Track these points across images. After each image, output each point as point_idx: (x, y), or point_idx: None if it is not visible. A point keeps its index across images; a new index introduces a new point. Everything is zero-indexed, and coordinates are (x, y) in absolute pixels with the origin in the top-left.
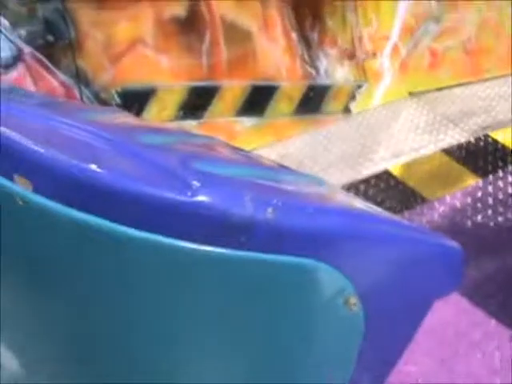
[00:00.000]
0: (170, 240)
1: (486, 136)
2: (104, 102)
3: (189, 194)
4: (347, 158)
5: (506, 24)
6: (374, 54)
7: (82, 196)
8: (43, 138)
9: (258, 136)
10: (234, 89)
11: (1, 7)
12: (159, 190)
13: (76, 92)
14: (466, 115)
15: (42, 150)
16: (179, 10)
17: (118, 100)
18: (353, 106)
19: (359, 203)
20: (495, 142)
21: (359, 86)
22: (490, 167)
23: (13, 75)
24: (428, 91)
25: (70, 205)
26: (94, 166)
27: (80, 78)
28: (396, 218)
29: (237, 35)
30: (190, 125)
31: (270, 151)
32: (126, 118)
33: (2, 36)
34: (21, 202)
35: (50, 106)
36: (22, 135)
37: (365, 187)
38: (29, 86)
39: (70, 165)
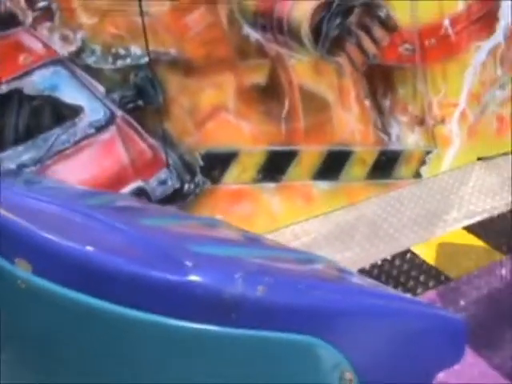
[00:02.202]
0: (164, 318)
1: None
2: (188, 165)
3: (182, 273)
4: (420, 219)
5: None
6: (443, 121)
7: (80, 277)
8: (43, 222)
9: (333, 199)
10: (310, 153)
11: (97, 74)
12: (154, 270)
13: (162, 154)
14: None
15: (41, 233)
16: (260, 78)
17: (201, 162)
18: (424, 171)
19: (357, 279)
20: None
21: (429, 152)
22: None
23: (105, 137)
24: (496, 156)
25: (69, 286)
26: (90, 248)
27: (166, 141)
28: (393, 292)
29: (314, 103)
30: (269, 187)
31: (344, 214)
32: (128, 202)
33: (98, 100)
34: (22, 285)
35: (53, 190)
36: (22, 218)
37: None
38: (119, 147)
39: (67, 247)
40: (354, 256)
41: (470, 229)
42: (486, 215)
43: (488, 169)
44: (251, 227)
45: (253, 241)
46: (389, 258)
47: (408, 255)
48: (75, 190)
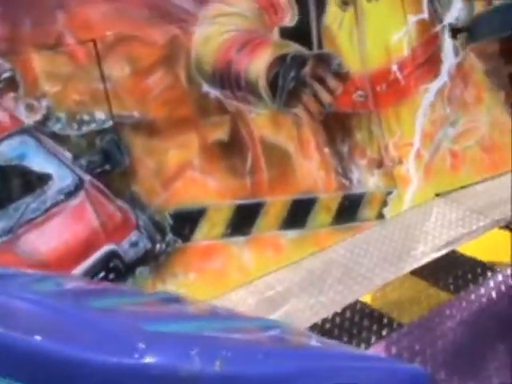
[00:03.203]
0: None
1: None
2: (158, 224)
3: (136, 356)
4: (390, 257)
5: None
6: (400, 161)
7: (30, 368)
8: None
9: (302, 247)
10: (276, 204)
11: (64, 140)
12: (106, 355)
13: (132, 216)
14: (492, 206)
15: None
16: (222, 134)
17: (170, 221)
18: (386, 211)
19: (314, 341)
20: None
21: (390, 192)
22: None
23: (75, 203)
24: (453, 190)
25: (18, 378)
26: (38, 337)
27: (135, 202)
28: (353, 349)
29: (275, 154)
30: (238, 241)
31: (314, 260)
32: (77, 283)
33: (65, 167)
34: None
35: (1, 278)
36: None
37: None
38: (89, 212)
39: (14, 338)
40: (327, 300)
41: (416, 273)
42: (450, 247)
43: (447, 203)
44: (224, 282)
45: (209, 312)
46: (339, 310)
47: (358, 305)
48: (21, 276)
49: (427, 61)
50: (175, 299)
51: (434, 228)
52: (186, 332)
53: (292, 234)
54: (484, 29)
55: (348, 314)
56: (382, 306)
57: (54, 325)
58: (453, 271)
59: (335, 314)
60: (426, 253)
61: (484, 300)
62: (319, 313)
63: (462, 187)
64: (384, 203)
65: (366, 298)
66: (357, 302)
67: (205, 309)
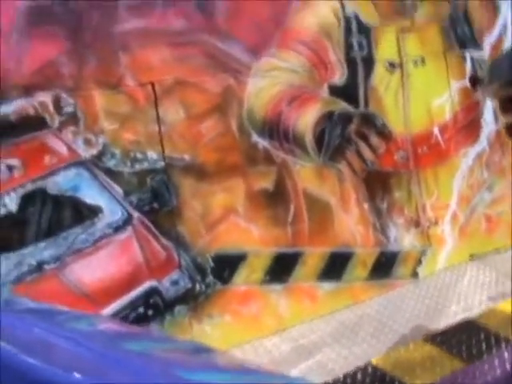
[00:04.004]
0: None
1: None
2: (200, 266)
3: None
4: (422, 315)
5: None
6: (436, 222)
7: None
8: (28, 347)
9: (337, 299)
10: (314, 255)
11: (117, 176)
12: None
13: (175, 255)
14: None
15: (27, 359)
16: (267, 183)
17: (212, 264)
18: (420, 270)
19: None
20: None
21: (424, 252)
22: None
23: (122, 237)
24: (487, 253)
25: None
26: (77, 375)
27: (180, 242)
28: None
29: (317, 206)
30: (276, 288)
31: (348, 313)
32: (109, 324)
33: (116, 201)
34: None
35: (38, 313)
36: (8, 343)
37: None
38: (135, 247)
39: (54, 373)
40: (360, 351)
41: (431, 338)
42: (483, 307)
43: (480, 266)
44: (259, 327)
45: (238, 366)
46: (350, 372)
47: (369, 368)
48: (57, 314)
49: (468, 126)
50: (206, 350)
51: (467, 289)
52: (217, 383)
53: (328, 285)
54: (496, 74)
55: (359, 376)
56: (393, 369)
57: (91, 364)
58: (468, 340)
59: (346, 375)
60: (457, 312)
61: (498, 371)
62: (352, 363)
63: (496, 251)
64: (419, 262)
65: (379, 361)
66: (369, 363)
67: (234, 362)
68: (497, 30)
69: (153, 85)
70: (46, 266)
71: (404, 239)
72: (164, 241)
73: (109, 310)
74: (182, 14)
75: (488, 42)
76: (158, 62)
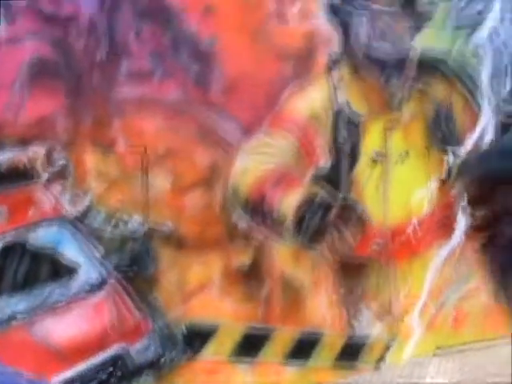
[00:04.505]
0: None
1: None
2: (171, 335)
3: None
4: None
5: None
6: (407, 312)
7: None
8: None
9: (303, 380)
10: (284, 335)
11: (99, 236)
12: None
13: (148, 321)
14: (490, 364)
15: None
16: (245, 260)
17: (183, 334)
18: (387, 358)
19: None
20: None
21: (393, 340)
22: None
23: (97, 298)
24: (454, 346)
25: None
26: None
27: (154, 309)
28: None
29: (291, 288)
30: (243, 364)
31: None
32: None
33: (95, 261)
34: None
35: None
36: None
37: None
38: (108, 309)
39: None
40: None
41: None
42: None
43: (445, 358)
44: None
45: None
46: None
47: None
48: None
49: (443, 221)
50: None
51: (431, 381)
52: None
53: (295, 365)
54: (465, 171)
55: None
56: None
57: None
58: None
59: None
60: None
61: None
62: None
63: (463, 345)
64: (386, 350)
65: None
66: None
67: None
68: (478, 131)
69: (144, 151)
70: (17, 319)
71: (374, 327)
72: (138, 306)
73: (74, 370)
74: (180, 85)
75: (469, 142)
76: (151, 129)
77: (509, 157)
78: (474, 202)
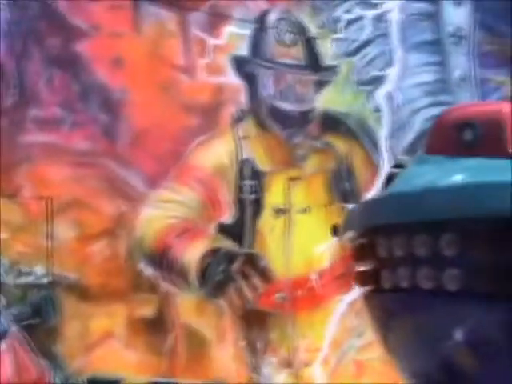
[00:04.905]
0: None
1: None
2: None
3: None
4: None
5: None
6: (308, 364)
7: None
8: None
9: None
10: None
11: (0, 287)
12: None
13: (49, 374)
14: None
15: None
16: (148, 311)
17: None
18: None
19: None
20: None
21: None
22: None
23: None
24: None
25: None
26: None
27: (55, 361)
28: None
29: (194, 339)
30: None
31: None
32: None
33: None
34: None
35: None
36: None
37: None
38: (7, 362)
39: None
40: None
41: None
42: None
43: None
44: None
45: None
46: None
47: None
48: None
49: (344, 275)
50: None
51: None
52: None
53: None
54: (349, 224)
55: None
56: None
57: None
58: None
59: None
60: None
61: None
62: None
63: None
64: None
65: None
66: None
67: None
68: (376, 185)
69: (49, 200)
70: None
71: (275, 378)
72: (39, 358)
73: None
74: (88, 136)
75: (368, 196)
76: (57, 178)
77: (388, 209)
78: (356, 255)
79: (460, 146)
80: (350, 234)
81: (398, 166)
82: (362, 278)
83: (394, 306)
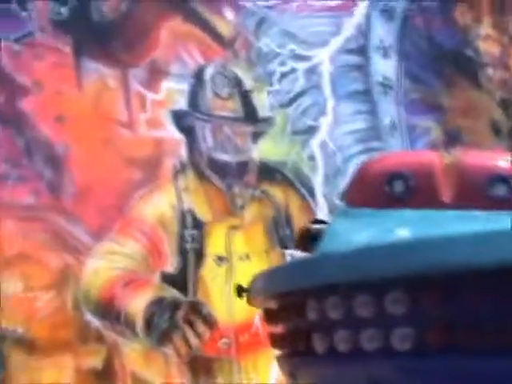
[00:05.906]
0: None
1: None
2: None
3: None
4: None
5: None
6: None
7: None
8: None
9: None
10: None
11: None
12: None
13: None
14: None
15: None
16: (97, 362)
17: None
18: None
19: None
20: None
21: None
22: None
23: None
24: None
25: None
26: None
27: None
28: None
29: None
30: None
31: None
32: None
33: None
34: None
35: None
36: None
37: None
38: None
39: None
40: None
41: None
42: None
43: None
44: None
45: None
46: None
47: None
48: None
49: None
50: None
51: None
52: None
53: None
54: (255, 288)
55: None
56: None
57: None
58: None
59: None
60: None
61: None
62: None
63: None
64: None
65: None
66: None
67: None
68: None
69: None
70: None
71: None
72: None
73: None
74: (32, 191)
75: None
76: (2, 233)
77: (324, 269)
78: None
79: (390, 198)
80: (258, 298)
81: (317, 221)
82: (287, 341)
83: (330, 371)
